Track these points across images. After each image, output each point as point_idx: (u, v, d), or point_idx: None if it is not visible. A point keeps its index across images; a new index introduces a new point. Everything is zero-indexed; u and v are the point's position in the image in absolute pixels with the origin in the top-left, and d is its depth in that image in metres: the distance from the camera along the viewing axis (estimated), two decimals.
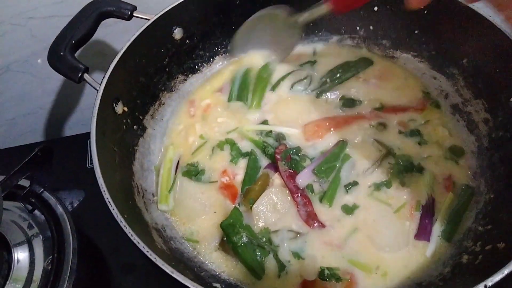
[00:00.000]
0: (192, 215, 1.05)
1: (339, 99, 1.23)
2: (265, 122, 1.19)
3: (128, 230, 0.78)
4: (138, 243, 0.77)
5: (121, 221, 0.80)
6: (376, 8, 1.26)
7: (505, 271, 0.70)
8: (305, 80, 1.26)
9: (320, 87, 1.25)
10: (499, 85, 1.06)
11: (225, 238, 0.98)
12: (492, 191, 1.02)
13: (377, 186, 1.05)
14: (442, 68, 1.22)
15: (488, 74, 1.09)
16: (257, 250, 0.96)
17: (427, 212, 1.02)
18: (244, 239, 0.96)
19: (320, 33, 1.35)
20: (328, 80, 1.26)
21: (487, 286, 0.69)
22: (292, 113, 1.20)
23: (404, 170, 1.07)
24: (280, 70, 1.29)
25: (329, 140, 1.14)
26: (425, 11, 1.18)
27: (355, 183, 1.06)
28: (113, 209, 0.81)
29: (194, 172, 1.10)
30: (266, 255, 0.97)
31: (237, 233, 0.96)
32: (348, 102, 1.22)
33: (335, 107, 1.21)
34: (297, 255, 0.97)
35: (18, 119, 1.53)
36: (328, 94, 1.24)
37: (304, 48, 1.34)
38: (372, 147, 1.13)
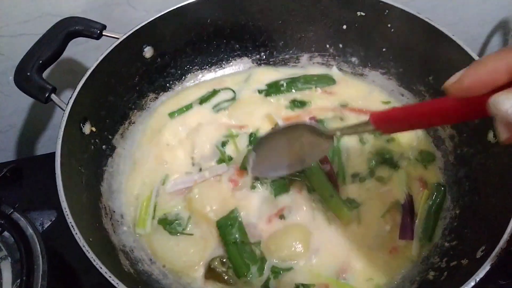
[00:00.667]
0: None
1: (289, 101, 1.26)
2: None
3: (90, 255, 0.77)
4: (101, 268, 0.76)
5: (83, 246, 0.79)
6: (344, 27, 1.28)
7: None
8: None
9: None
10: None
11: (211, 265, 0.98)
12: (458, 206, 1.03)
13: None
14: (410, 85, 1.25)
15: None
16: (246, 254, 0.97)
17: (407, 210, 1.03)
18: (238, 238, 0.98)
19: (290, 51, 1.37)
20: (284, 84, 1.29)
21: None
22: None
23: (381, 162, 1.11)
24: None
25: None
26: (392, 30, 1.21)
27: None
28: (76, 234, 0.80)
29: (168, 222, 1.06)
30: (254, 263, 0.97)
31: (232, 234, 0.98)
32: (299, 103, 1.25)
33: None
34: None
35: None
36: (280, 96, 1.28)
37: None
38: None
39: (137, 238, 1.05)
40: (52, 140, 1.57)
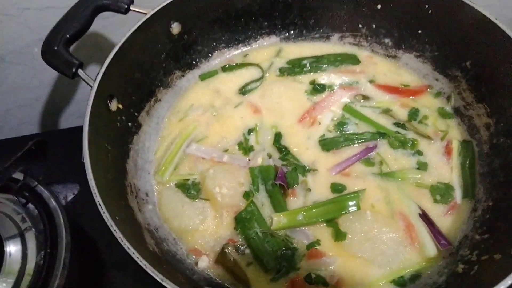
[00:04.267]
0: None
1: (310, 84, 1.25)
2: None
3: (118, 235, 0.77)
4: (129, 248, 0.76)
5: (111, 225, 0.78)
6: (379, 6, 1.23)
7: (501, 287, 0.69)
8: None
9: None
10: (503, 90, 1.04)
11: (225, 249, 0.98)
12: (490, 198, 1.00)
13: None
14: (445, 70, 1.20)
15: (492, 78, 1.07)
16: (270, 241, 0.97)
17: (427, 219, 1.00)
18: (259, 233, 0.98)
19: (321, 30, 1.32)
20: (308, 64, 1.28)
21: None
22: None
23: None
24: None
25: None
26: (430, 11, 1.15)
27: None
28: (104, 213, 0.80)
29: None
30: (279, 248, 0.97)
31: (251, 227, 0.99)
32: (320, 87, 1.24)
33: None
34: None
35: (13, 111, 1.52)
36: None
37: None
38: None
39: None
40: (76, 114, 1.59)
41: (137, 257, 0.74)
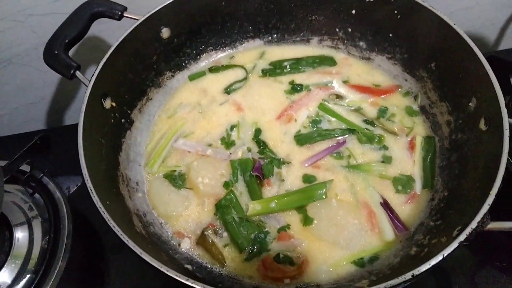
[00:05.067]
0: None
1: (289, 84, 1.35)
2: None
3: (106, 215, 0.89)
4: (114, 227, 0.87)
5: (100, 207, 0.90)
6: (354, 11, 1.33)
7: (431, 263, 0.79)
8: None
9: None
10: (462, 89, 1.13)
11: (205, 232, 1.09)
12: (446, 189, 1.10)
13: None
14: (413, 71, 1.30)
15: (453, 79, 1.16)
16: (245, 226, 1.08)
17: (387, 207, 1.10)
18: (235, 218, 1.09)
19: (302, 34, 1.42)
20: (288, 66, 1.38)
21: (415, 275, 0.78)
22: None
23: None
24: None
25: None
26: (399, 16, 1.25)
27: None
28: (94, 197, 0.91)
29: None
30: (253, 231, 1.08)
31: (229, 213, 1.10)
32: (299, 87, 1.34)
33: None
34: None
35: (21, 108, 1.64)
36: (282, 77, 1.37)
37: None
38: None
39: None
40: (78, 112, 1.70)
41: (121, 234, 0.86)
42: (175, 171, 1.20)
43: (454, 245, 0.80)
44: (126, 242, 0.85)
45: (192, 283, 0.79)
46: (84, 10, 1.21)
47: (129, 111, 1.26)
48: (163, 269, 0.81)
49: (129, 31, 1.19)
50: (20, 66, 1.49)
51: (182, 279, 0.79)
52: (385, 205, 1.10)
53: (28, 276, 1.10)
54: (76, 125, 1.60)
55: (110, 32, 1.44)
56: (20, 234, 1.16)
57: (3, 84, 1.53)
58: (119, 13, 1.21)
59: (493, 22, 1.71)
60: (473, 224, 0.82)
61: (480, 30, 1.72)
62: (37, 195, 1.26)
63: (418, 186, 1.13)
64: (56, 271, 1.12)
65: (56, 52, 1.15)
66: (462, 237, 0.81)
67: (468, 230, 0.82)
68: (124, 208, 1.07)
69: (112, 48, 1.15)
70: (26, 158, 1.29)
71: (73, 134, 1.58)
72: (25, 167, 1.29)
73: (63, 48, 1.15)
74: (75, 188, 1.47)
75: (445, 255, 0.79)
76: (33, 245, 1.16)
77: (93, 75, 1.11)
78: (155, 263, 0.82)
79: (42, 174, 1.30)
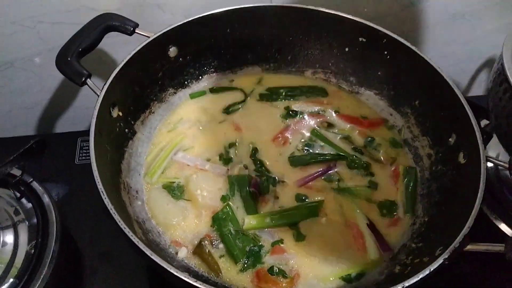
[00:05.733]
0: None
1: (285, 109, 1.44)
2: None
3: (116, 217, 0.92)
4: (124, 228, 0.91)
5: (111, 209, 0.93)
6: (347, 49, 1.45)
7: (420, 276, 0.87)
8: None
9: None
10: (442, 125, 1.25)
11: (202, 242, 1.13)
12: (427, 215, 1.19)
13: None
14: (398, 107, 1.42)
15: (434, 116, 1.29)
16: (241, 238, 1.13)
17: (373, 229, 1.18)
18: (232, 231, 1.14)
19: (297, 65, 1.53)
20: (283, 93, 1.47)
21: (405, 286, 0.86)
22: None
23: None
24: None
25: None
26: (388, 56, 1.38)
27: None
28: (105, 198, 0.95)
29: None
30: (248, 244, 1.13)
31: (226, 226, 1.15)
32: (293, 113, 1.43)
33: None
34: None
35: (14, 112, 1.64)
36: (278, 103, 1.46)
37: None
38: None
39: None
40: (71, 121, 1.73)
41: (131, 236, 0.89)
42: (173, 182, 1.25)
43: (439, 261, 0.89)
44: (136, 243, 0.88)
45: (200, 284, 0.83)
46: (98, 22, 1.25)
47: (132, 122, 1.31)
48: (172, 270, 0.85)
49: (140, 46, 1.25)
50: (20, 70, 1.51)
51: (191, 280, 0.84)
52: (371, 226, 1.18)
53: (11, 280, 1.09)
54: (68, 133, 1.66)
55: (117, 47, 1.49)
56: (6, 238, 1.16)
57: (0, 86, 1.54)
58: (131, 29, 1.27)
59: (464, 70, 1.89)
60: (456, 243, 0.91)
61: (454, 77, 1.90)
62: (24, 200, 1.26)
63: (401, 211, 1.23)
64: (42, 276, 1.11)
65: (69, 59, 1.18)
66: (445, 254, 0.90)
67: (451, 249, 0.91)
68: (126, 214, 1.10)
69: (125, 61, 1.21)
70: (18, 162, 1.28)
71: (64, 142, 1.62)
72: (16, 171, 1.29)
73: (76, 55, 1.19)
74: (62, 195, 1.48)
75: (432, 269, 0.88)
76: (17, 249, 1.15)
77: (105, 84, 1.15)
78: (164, 264, 0.86)
79: (32, 179, 1.31)
